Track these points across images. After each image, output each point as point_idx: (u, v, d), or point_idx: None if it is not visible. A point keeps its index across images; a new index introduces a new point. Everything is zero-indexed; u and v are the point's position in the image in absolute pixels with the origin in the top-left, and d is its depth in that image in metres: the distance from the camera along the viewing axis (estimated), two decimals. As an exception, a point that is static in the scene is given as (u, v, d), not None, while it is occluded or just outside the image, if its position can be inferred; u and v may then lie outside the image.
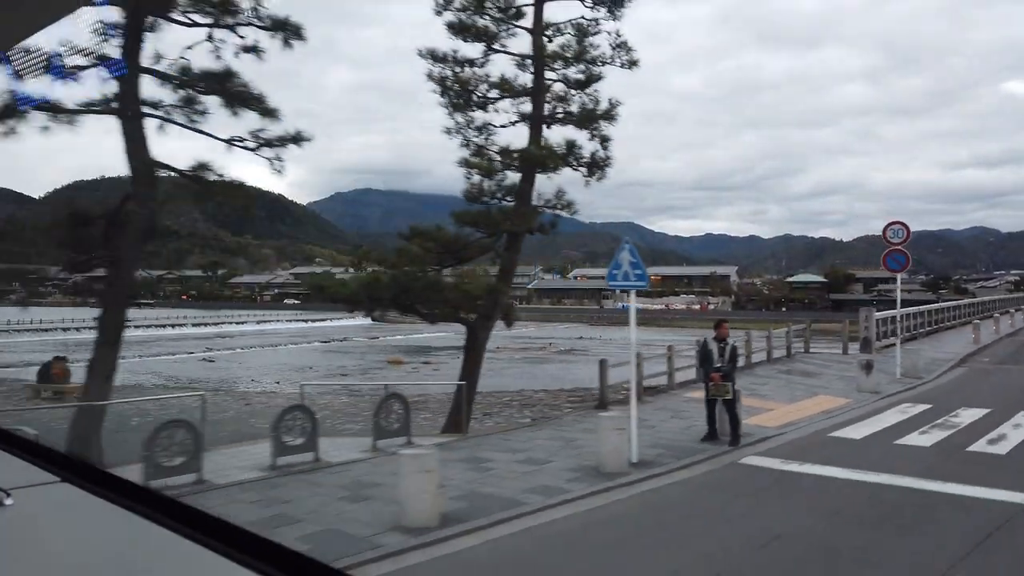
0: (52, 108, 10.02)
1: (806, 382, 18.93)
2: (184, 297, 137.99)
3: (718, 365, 12.44)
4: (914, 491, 9.32)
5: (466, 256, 15.01)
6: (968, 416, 14.30)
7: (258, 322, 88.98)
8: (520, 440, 13.32)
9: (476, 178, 14.36)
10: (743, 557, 7.29)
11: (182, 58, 11.70)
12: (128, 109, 11.10)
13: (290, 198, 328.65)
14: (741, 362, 17.28)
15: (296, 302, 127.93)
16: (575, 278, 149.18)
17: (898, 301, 23.44)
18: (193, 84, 11.24)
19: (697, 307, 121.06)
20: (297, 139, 12.07)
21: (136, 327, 50.71)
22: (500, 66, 17.18)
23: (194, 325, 79.97)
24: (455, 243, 14.64)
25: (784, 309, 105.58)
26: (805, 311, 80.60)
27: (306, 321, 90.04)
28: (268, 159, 12.47)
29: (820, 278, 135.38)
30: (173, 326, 76.39)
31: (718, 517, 8.72)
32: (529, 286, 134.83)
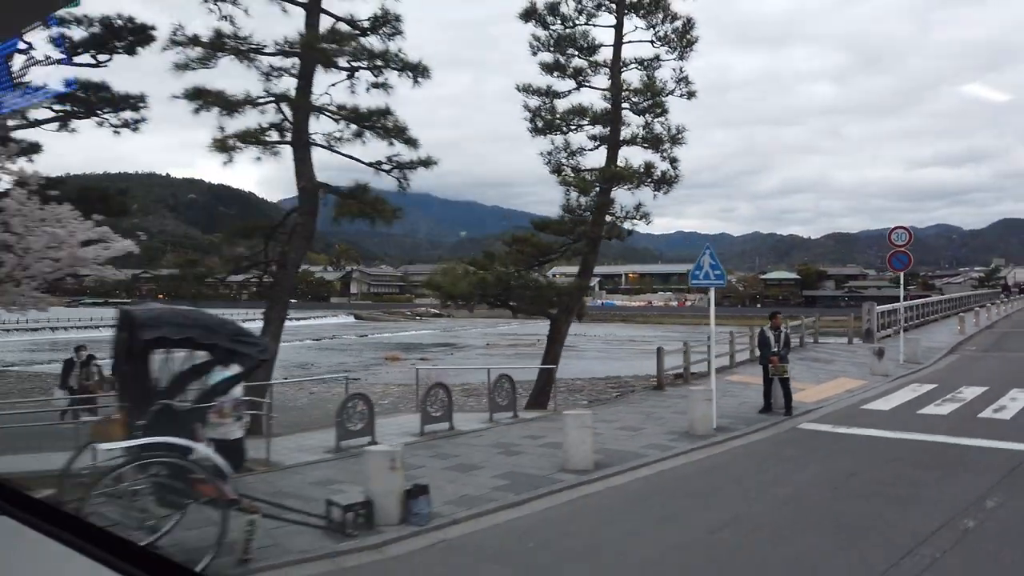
0: (258, 140, 12.30)
1: (826, 367, 21.71)
2: (160, 296, 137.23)
3: (775, 349, 15.10)
4: (947, 444, 12.01)
5: (550, 259, 17.63)
6: (970, 393, 17.11)
7: (242, 320, 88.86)
8: (607, 414, 15.82)
9: (574, 195, 16.91)
10: (833, 486, 9.87)
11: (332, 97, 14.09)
12: (300, 140, 13.40)
13: (260, 195, 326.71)
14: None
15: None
16: (553, 275, 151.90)
17: (901, 296, 26.42)
18: (360, 120, 13.58)
19: (675, 303, 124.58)
20: (427, 163, 14.45)
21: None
22: (579, 96, 19.66)
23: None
24: (546, 248, 17.24)
25: (759, 305, 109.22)
26: (780, 307, 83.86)
27: (289, 319, 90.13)
28: (397, 179, 14.85)
29: (793, 275, 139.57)
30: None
31: (802, 463, 11.30)
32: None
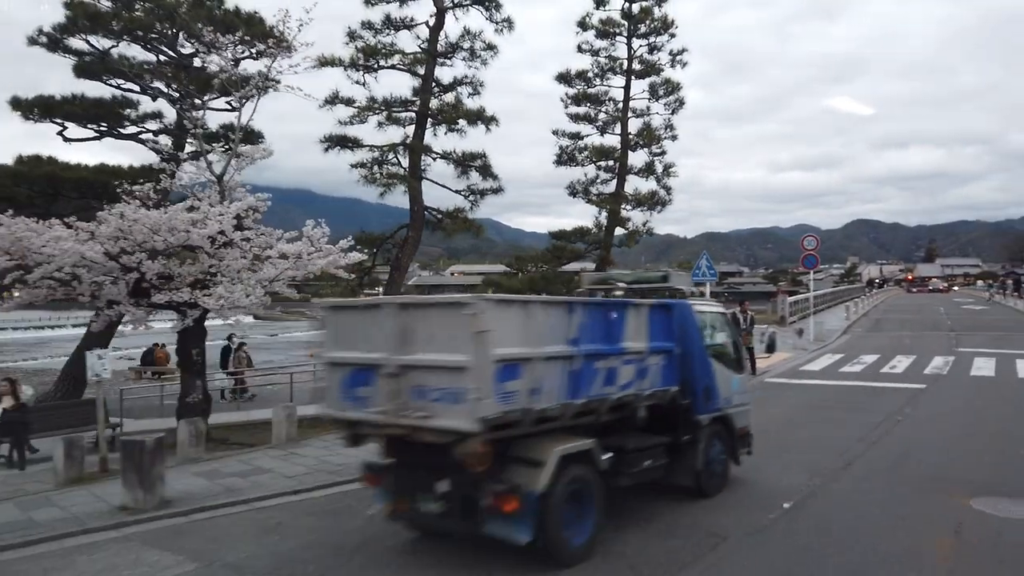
0: (398, 177, 16.71)
1: (762, 345, 27.91)
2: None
3: (744, 327, 20.81)
4: (867, 385, 18.00)
5: (570, 259, 22.77)
6: (869, 359, 23.54)
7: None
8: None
9: (602, 214, 22.14)
10: (809, 406, 15.49)
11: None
12: (416, 174, 17.86)
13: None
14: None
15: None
16: (451, 274, 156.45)
17: (811, 288, 33.22)
18: (463, 162, 18.18)
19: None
20: (497, 190, 19.20)
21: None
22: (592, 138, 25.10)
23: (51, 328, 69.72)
24: (571, 252, 22.43)
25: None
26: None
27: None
28: (471, 201, 19.55)
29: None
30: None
31: (781, 398, 16.91)
32: (410, 283, 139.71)
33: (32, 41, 16.33)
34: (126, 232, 12.03)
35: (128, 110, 16.76)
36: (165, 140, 17.41)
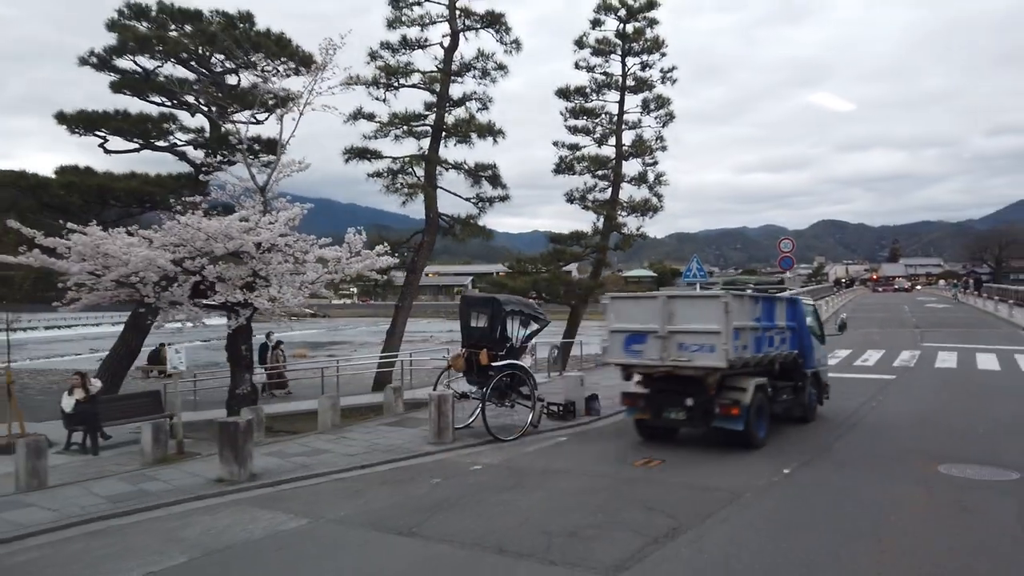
0: (418, 186, 18.09)
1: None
2: None
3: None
4: (842, 377, 19.69)
5: (569, 261, 24.34)
6: (843, 352, 25.35)
7: (112, 324, 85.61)
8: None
9: (601, 220, 23.74)
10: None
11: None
12: (430, 185, 19.24)
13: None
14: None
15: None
16: (428, 275, 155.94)
17: (788, 288, 35.03)
18: (475, 172, 19.60)
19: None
20: (504, 198, 20.68)
21: None
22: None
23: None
24: (570, 254, 23.98)
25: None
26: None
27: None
28: (479, 208, 20.97)
29: (651, 273, 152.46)
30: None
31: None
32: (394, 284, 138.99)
33: (83, 61, 17.39)
34: (188, 240, 13.27)
35: (168, 124, 17.86)
36: (196, 152, 18.55)
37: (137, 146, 17.94)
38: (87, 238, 12.35)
